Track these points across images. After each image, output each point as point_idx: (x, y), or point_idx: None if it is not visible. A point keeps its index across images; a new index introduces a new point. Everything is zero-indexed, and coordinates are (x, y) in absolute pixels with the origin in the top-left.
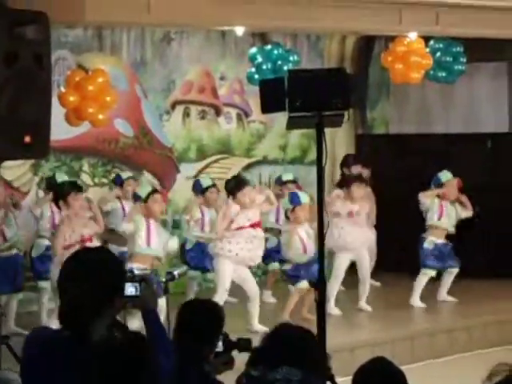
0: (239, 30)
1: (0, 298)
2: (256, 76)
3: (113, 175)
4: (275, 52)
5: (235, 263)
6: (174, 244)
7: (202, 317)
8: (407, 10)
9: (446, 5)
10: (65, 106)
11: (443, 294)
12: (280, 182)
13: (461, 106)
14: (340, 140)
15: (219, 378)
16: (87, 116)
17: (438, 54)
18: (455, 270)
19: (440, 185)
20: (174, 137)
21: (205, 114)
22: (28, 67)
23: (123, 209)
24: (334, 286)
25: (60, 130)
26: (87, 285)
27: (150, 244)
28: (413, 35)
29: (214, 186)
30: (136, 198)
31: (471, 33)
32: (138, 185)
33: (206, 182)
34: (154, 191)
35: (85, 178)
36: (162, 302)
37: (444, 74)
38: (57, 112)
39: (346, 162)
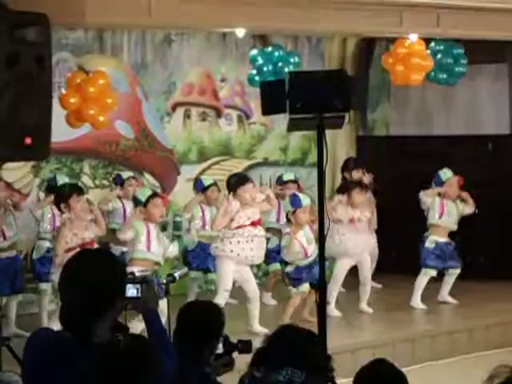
0: (240, 32)
1: (0, 299)
2: (257, 78)
3: (114, 174)
4: (276, 54)
5: (237, 263)
6: (174, 250)
7: (202, 318)
8: (408, 11)
9: (446, 7)
10: (65, 108)
11: (444, 294)
12: (281, 182)
13: (462, 107)
14: (341, 142)
15: (219, 379)
16: (88, 118)
17: (439, 55)
18: (456, 271)
19: (441, 183)
20: (174, 139)
21: (205, 115)
22: (29, 69)
23: (124, 208)
24: (335, 288)
25: (61, 132)
26: (88, 286)
27: (149, 249)
28: (413, 37)
29: (215, 184)
30: (136, 201)
31: (472, 34)
32: (139, 184)
33: (207, 180)
34: (154, 195)
35: (85, 180)
36: (162, 304)
37: (445, 76)
38: (57, 114)
39: (347, 166)
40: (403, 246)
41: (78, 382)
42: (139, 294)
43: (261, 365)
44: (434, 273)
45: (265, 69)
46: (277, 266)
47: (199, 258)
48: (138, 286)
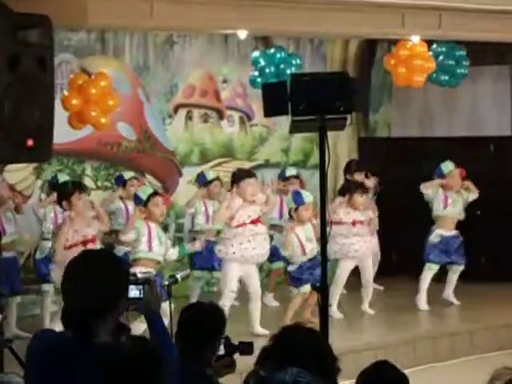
0: (242, 34)
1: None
2: (259, 79)
3: (116, 174)
4: (278, 56)
5: (241, 263)
6: (174, 253)
7: (204, 319)
8: (410, 13)
9: (448, 8)
10: (68, 110)
11: (449, 292)
12: (283, 177)
13: (463, 109)
14: (342, 143)
15: (221, 381)
16: (90, 119)
17: (441, 57)
18: (460, 268)
19: (442, 175)
20: (176, 140)
21: (207, 117)
22: (31, 71)
23: (126, 209)
24: (337, 291)
25: (63, 134)
26: (91, 286)
27: (151, 248)
28: (415, 39)
29: (217, 179)
30: (137, 200)
31: (474, 36)
32: (141, 184)
33: (210, 174)
34: (155, 193)
35: (87, 182)
36: (165, 306)
37: (447, 78)
38: (60, 115)
39: (349, 169)
40: (404, 248)
41: (79, 382)
42: (142, 295)
43: (266, 364)
44: (436, 267)
45: (267, 70)
46: (280, 264)
47: (204, 257)
48: (141, 287)
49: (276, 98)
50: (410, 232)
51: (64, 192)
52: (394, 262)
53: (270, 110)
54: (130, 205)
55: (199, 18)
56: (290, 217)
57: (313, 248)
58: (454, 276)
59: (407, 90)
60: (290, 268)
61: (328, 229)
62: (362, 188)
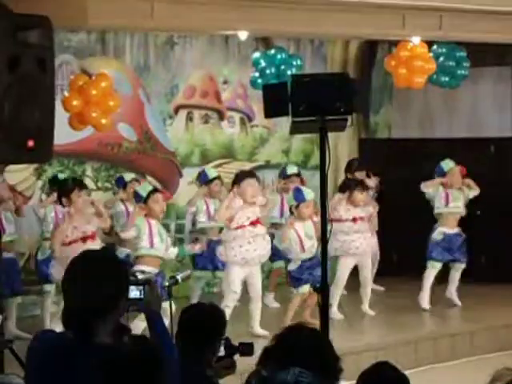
0: (242, 35)
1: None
2: (259, 80)
3: (116, 176)
4: (278, 56)
5: (243, 265)
6: (172, 254)
7: (204, 320)
8: (410, 14)
9: (449, 9)
10: (68, 111)
11: (452, 291)
12: (284, 175)
13: (464, 110)
14: (343, 144)
15: (221, 382)
16: (90, 120)
17: (441, 58)
18: (462, 266)
19: (443, 174)
20: (177, 141)
21: (208, 118)
22: (31, 72)
23: (127, 211)
24: (337, 291)
25: (63, 135)
26: (91, 286)
27: (152, 245)
28: (416, 40)
29: (218, 178)
30: (137, 197)
31: (474, 37)
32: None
33: (211, 173)
34: (155, 190)
35: (88, 183)
36: (166, 306)
37: (447, 79)
38: (60, 116)
39: (350, 167)
40: (405, 249)
41: (80, 382)
42: (142, 296)
43: (268, 364)
44: (439, 265)
45: (267, 71)
46: (281, 263)
47: (206, 258)
48: (141, 287)
49: (276, 98)
50: (411, 233)
51: (64, 189)
52: (395, 263)
53: (271, 110)
54: (131, 207)
55: (200, 18)
56: (291, 213)
57: (312, 245)
58: (456, 274)
59: (408, 91)
60: (290, 267)
61: (329, 228)
62: (362, 185)
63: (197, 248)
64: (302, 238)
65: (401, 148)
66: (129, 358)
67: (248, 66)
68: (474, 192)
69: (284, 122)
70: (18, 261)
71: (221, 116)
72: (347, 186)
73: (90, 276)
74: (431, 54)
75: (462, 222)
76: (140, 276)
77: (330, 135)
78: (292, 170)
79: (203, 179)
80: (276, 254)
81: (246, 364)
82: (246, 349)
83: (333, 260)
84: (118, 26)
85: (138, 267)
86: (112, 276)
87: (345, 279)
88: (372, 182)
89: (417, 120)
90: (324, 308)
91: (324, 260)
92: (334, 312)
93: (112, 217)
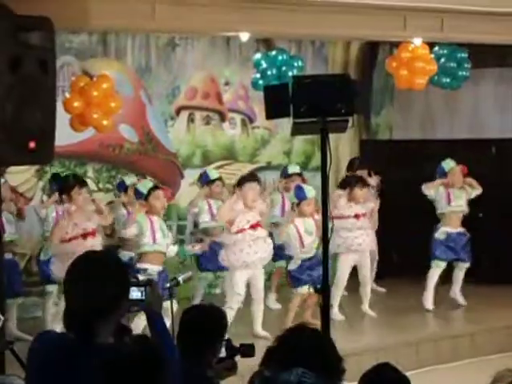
0: (244, 36)
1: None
2: (260, 82)
3: (117, 181)
4: (280, 58)
5: (246, 268)
6: (172, 252)
7: (205, 321)
8: (412, 15)
9: (450, 11)
10: (69, 112)
11: (456, 291)
12: (286, 175)
13: (465, 111)
14: (344, 145)
15: (222, 383)
16: (92, 122)
17: (443, 59)
18: (465, 265)
19: (444, 174)
20: (178, 142)
21: (209, 119)
22: (33, 73)
23: (129, 214)
24: (337, 292)
25: (64, 136)
26: (92, 286)
27: (155, 240)
28: (417, 41)
29: (220, 179)
30: (137, 194)
31: (476, 39)
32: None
33: (213, 174)
34: (155, 187)
35: (89, 184)
36: (167, 306)
37: (448, 80)
38: (61, 117)
39: (352, 166)
40: (407, 250)
41: (81, 383)
42: (143, 297)
43: (271, 364)
44: (444, 265)
45: (268, 73)
46: (283, 263)
47: (211, 260)
48: (143, 288)
49: (278, 100)
50: (412, 234)
51: (65, 186)
52: (396, 264)
53: (272, 112)
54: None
55: (201, 19)
56: (293, 210)
57: (312, 242)
58: (460, 273)
59: (409, 92)
60: (291, 267)
61: (330, 227)
62: (361, 182)
63: (197, 248)
64: (302, 233)
65: (402, 149)
66: (130, 358)
67: (249, 68)
68: (477, 191)
69: (285, 124)
70: (18, 262)
71: (222, 117)
72: (347, 183)
73: (91, 277)
74: (432, 56)
75: (464, 223)
76: (141, 277)
77: (331, 136)
78: (293, 169)
79: (204, 180)
80: (278, 254)
81: (246, 365)
82: (247, 350)
83: (332, 259)
84: (120, 27)
85: (141, 265)
86: (113, 277)
87: (345, 279)
88: (373, 180)
89: (418, 121)
90: (325, 309)
91: (325, 260)
92: (335, 313)
93: (114, 221)
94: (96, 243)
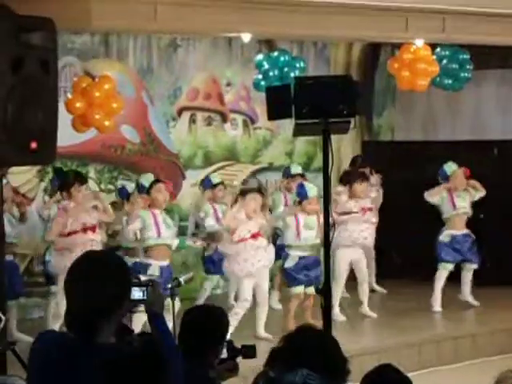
0: (246, 37)
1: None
2: (262, 83)
3: (119, 181)
4: (282, 59)
5: (251, 277)
6: (175, 242)
7: (206, 322)
8: (413, 17)
9: (452, 12)
10: (71, 113)
11: (466, 293)
12: (288, 175)
13: (467, 113)
14: (346, 146)
15: None
16: (94, 122)
17: (445, 61)
18: (473, 267)
19: (446, 177)
20: (180, 143)
21: (211, 120)
22: (34, 73)
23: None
24: (337, 289)
25: (66, 136)
26: (94, 286)
27: (160, 234)
28: (419, 42)
29: (222, 183)
30: (140, 188)
31: (478, 40)
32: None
33: (215, 179)
34: (157, 181)
35: (91, 184)
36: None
37: (450, 82)
38: (63, 118)
39: (355, 164)
40: (407, 251)
41: (82, 382)
42: (145, 297)
43: (276, 365)
44: (451, 267)
45: (270, 74)
46: None
47: (216, 264)
48: (144, 288)
49: (280, 101)
50: (414, 235)
51: (64, 183)
52: (398, 265)
53: (274, 113)
54: None
55: (203, 20)
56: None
57: (310, 237)
58: (468, 275)
59: (411, 93)
60: (287, 264)
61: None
62: (361, 176)
63: (198, 243)
64: (301, 226)
65: (404, 150)
66: (131, 358)
67: (251, 69)
68: (480, 193)
69: (287, 125)
70: (18, 263)
71: (224, 118)
72: (347, 180)
73: (91, 277)
74: (434, 57)
75: (466, 225)
76: (143, 278)
77: (333, 137)
78: (296, 169)
79: (207, 185)
80: (279, 253)
81: (248, 366)
82: (249, 351)
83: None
84: (122, 28)
85: (147, 261)
86: (114, 276)
87: (344, 276)
88: (374, 179)
89: (420, 122)
90: (327, 310)
91: (327, 262)
92: (336, 313)
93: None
94: (96, 238)
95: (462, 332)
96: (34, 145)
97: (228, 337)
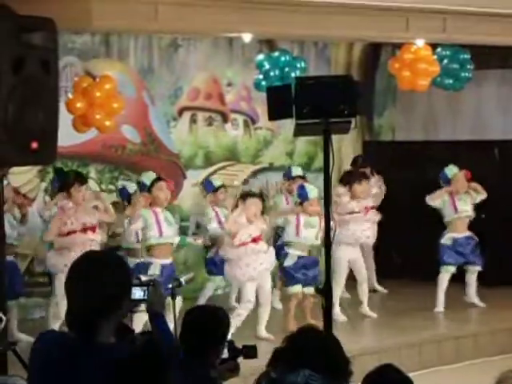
0: (246, 37)
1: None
2: (263, 83)
3: (120, 181)
4: (282, 59)
5: (254, 280)
6: (176, 239)
7: (207, 322)
8: (414, 17)
9: (452, 12)
10: (72, 113)
11: (471, 295)
12: (289, 177)
13: (468, 113)
14: (347, 147)
15: None
16: (94, 122)
17: (445, 61)
18: (476, 269)
19: (447, 180)
20: (180, 143)
21: (212, 120)
22: (35, 74)
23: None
24: (337, 288)
25: (67, 136)
26: (94, 286)
27: (161, 233)
28: (420, 42)
29: (223, 186)
30: (141, 186)
31: (478, 40)
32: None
33: (216, 182)
34: (159, 179)
35: (91, 185)
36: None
37: (451, 81)
38: (64, 118)
39: (356, 163)
40: (408, 251)
41: (82, 382)
42: (146, 297)
43: (278, 365)
44: (453, 269)
45: (271, 74)
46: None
47: (219, 266)
48: (145, 288)
49: (280, 101)
50: (414, 235)
51: (64, 183)
52: (398, 265)
53: (275, 113)
54: None
55: (204, 20)
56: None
57: (309, 237)
58: (472, 277)
59: (411, 93)
60: (287, 263)
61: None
62: (359, 176)
63: (199, 241)
64: (301, 225)
65: (405, 150)
66: (131, 357)
67: (252, 69)
68: (482, 196)
69: (288, 125)
70: (18, 264)
71: (224, 118)
72: (347, 181)
73: (92, 277)
74: (435, 57)
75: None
76: (144, 277)
77: (334, 137)
78: (297, 171)
79: (209, 188)
80: (279, 253)
81: (249, 367)
82: (250, 351)
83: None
84: (122, 28)
85: (149, 260)
86: (114, 277)
87: (344, 275)
88: (373, 181)
89: (421, 122)
90: (328, 310)
91: (328, 262)
92: (337, 313)
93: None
94: (96, 238)
95: (464, 332)
96: (34, 145)
97: (229, 337)
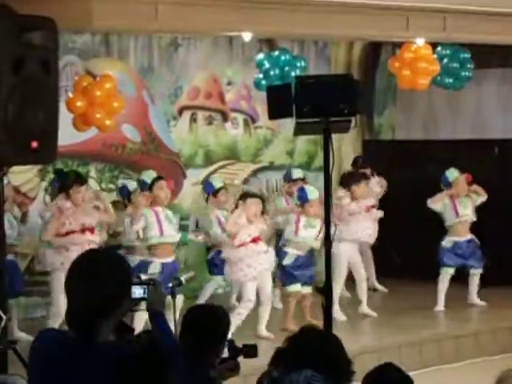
0: (246, 36)
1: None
2: (263, 82)
3: (120, 180)
4: (282, 58)
5: (255, 280)
6: (176, 239)
7: (206, 321)
8: (414, 16)
9: (452, 11)
10: (72, 112)
11: (473, 297)
12: (289, 179)
13: (468, 112)
14: (347, 145)
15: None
16: (94, 121)
17: (445, 60)
18: (477, 271)
19: (448, 184)
20: (180, 142)
21: (212, 119)
22: (35, 73)
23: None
24: (337, 286)
25: (67, 136)
26: (94, 285)
27: (162, 232)
28: (420, 41)
29: (224, 188)
30: (142, 185)
31: (478, 39)
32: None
33: (217, 183)
34: (159, 178)
35: (92, 184)
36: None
37: (451, 81)
38: (64, 117)
39: (356, 164)
40: (408, 251)
41: (82, 381)
42: (146, 295)
43: (280, 365)
44: (452, 271)
45: (271, 73)
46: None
47: (220, 266)
48: (145, 287)
49: (280, 100)
50: (414, 234)
51: (64, 184)
52: (398, 265)
53: (275, 112)
54: None
55: (204, 20)
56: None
57: (308, 237)
58: (473, 279)
59: (412, 92)
60: (286, 262)
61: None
62: (358, 177)
63: (200, 238)
64: (300, 225)
65: (405, 149)
66: (131, 357)
67: (252, 68)
68: (482, 198)
69: (288, 124)
70: (18, 263)
71: (225, 117)
72: (346, 183)
73: (91, 276)
74: (435, 56)
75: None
76: (144, 276)
77: (334, 136)
78: (297, 174)
79: (209, 190)
80: (279, 253)
81: (249, 366)
82: (250, 351)
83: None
84: (123, 27)
85: (151, 259)
86: (114, 276)
87: (344, 274)
88: (372, 182)
89: (421, 122)
90: (328, 309)
91: (328, 261)
92: (337, 311)
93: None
94: (94, 239)
95: (464, 331)
96: (34, 144)
97: (229, 336)
